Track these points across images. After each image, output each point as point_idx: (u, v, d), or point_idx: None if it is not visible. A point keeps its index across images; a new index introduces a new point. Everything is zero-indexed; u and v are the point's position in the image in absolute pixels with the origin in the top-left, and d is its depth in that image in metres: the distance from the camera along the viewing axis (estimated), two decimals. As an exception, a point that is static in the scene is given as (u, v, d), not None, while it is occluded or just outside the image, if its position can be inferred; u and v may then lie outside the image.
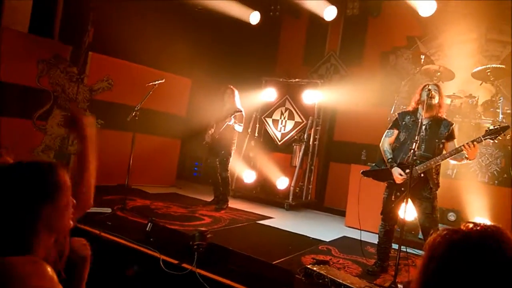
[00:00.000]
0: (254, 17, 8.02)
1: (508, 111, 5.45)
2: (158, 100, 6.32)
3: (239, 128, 5.73)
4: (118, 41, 5.97)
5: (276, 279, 3.17)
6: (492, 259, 0.92)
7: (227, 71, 7.38)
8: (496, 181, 5.15)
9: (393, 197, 3.70)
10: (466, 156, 3.39)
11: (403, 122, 3.77)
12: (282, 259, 3.82)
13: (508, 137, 5.28)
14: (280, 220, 5.77)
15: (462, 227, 1.00)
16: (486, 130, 3.39)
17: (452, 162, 3.86)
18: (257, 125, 7.69)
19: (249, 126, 7.53)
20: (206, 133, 5.88)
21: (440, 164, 3.63)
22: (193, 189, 7.24)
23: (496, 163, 5.21)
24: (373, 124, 6.81)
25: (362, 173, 3.97)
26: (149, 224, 3.94)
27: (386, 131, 3.92)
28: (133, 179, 5.28)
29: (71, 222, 1.48)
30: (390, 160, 3.73)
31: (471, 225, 0.99)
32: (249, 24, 8.04)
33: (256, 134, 7.67)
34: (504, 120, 5.24)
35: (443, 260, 0.96)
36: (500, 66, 5.63)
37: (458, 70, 5.96)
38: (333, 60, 8.17)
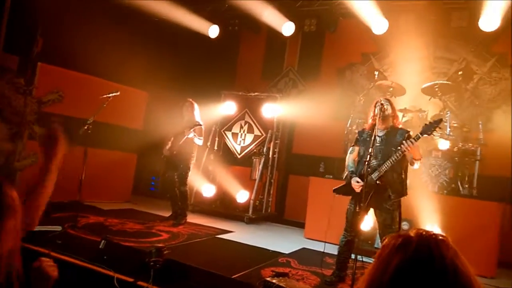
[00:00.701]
0: (213, 31, 8.06)
1: (455, 125, 5.76)
2: (113, 113, 6.13)
3: (198, 141, 5.67)
4: (70, 51, 5.76)
5: (235, 293, 3.11)
6: (421, 268, 0.94)
7: (186, 84, 7.32)
8: (445, 191, 5.39)
9: (356, 208, 3.77)
10: (413, 157, 3.52)
11: (362, 138, 3.95)
12: (242, 273, 3.77)
13: (455, 149, 5.58)
14: (240, 234, 5.71)
15: (410, 233, 1.03)
16: (422, 127, 3.53)
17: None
18: (217, 139, 7.65)
19: (209, 139, 7.47)
20: (164, 146, 5.76)
21: (404, 172, 3.74)
22: (150, 204, 7.02)
23: (444, 173, 5.46)
24: (330, 137, 7.00)
25: (333, 191, 4.02)
26: (103, 241, 3.76)
27: (349, 149, 4.12)
28: (86, 195, 5.04)
29: (17, 244, 1.37)
30: (351, 172, 3.89)
31: (416, 232, 1.02)
32: (209, 38, 8.06)
33: (216, 148, 7.61)
34: (451, 133, 5.53)
35: (385, 265, 0.98)
36: (447, 82, 5.98)
37: (409, 86, 6.25)
38: (291, 74, 8.32)
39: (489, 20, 6.22)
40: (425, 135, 3.50)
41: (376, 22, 6.95)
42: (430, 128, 3.47)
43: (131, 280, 3.24)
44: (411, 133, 3.79)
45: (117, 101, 5.21)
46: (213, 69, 8.08)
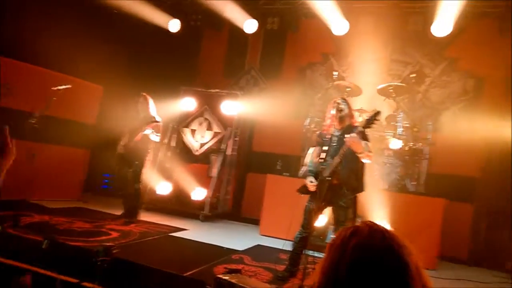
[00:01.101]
0: (174, 26, 7.90)
1: (407, 125, 5.96)
2: (65, 107, 5.87)
3: (155, 138, 5.53)
4: (20, 42, 5.45)
5: (186, 291, 3.05)
6: (377, 247, 1.00)
7: (144, 79, 7.10)
8: (395, 188, 5.58)
9: (313, 205, 3.81)
10: (358, 153, 3.59)
11: (320, 140, 3.99)
12: (194, 271, 3.72)
13: (407, 148, 5.78)
14: (194, 232, 5.63)
15: (358, 224, 1.08)
16: (363, 121, 3.63)
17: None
18: (175, 135, 7.49)
19: (166, 136, 7.31)
20: (119, 143, 5.59)
21: (361, 169, 3.79)
22: (102, 202, 6.76)
23: (396, 171, 5.65)
24: (289, 135, 7.06)
25: (297, 191, 4.01)
26: (45, 241, 3.57)
27: (310, 149, 4.17)
28: (33, 193, 4.77)
29: None
30: (309, 171, 3.91)
31: (365, 222, 1.08)
32: (169, 32, 7.90)
33: (173, 145, 7.46)
34: (403, 132, 5.72)
35: (341, 250, 1.02)
36: (401, 84, 6.17)
37: (366, 87, 6.41)
38: (253, 72, 8.31)
39: (442, 26, 6.48)
40: (366, 128, 3.56)
41: (337, 23, 7.07)
42: (369, 121, 3.54)
43: (75, 281, 3.10)
44: (364, 130, 3.84)
45: (69, 95, 5.00)
46: (173, 64, 7.93)
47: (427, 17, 6.76)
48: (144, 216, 5.90)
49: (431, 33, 6.63)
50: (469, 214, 6.06)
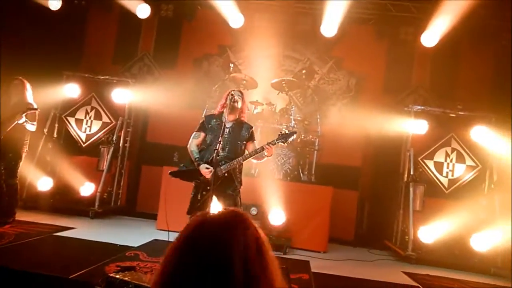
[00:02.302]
0: (55, 3, 7.08)
1: (299, 118, 6.33)
2: None
3: (31, 127, 4.95)
4: None
5: (73, 295, 2.79)
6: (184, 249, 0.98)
7: (17, 60, 6.23)
8: (288, 178, 5.90)
9: (199, 196, 3.77)
10: (266, 154, 3.74)
11: (209, 125, 3.92)
12: (81, 272, 3.44)
13: (298, 140, 6.14)
14: (83, 230, 5.21)
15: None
16: (279, 134, 3.82)
17: (254, 161, 4.19)
18: (56, 125, 6.74)
19: (46, 125, 6.55)
20: None
21: (243, 164, 3.90)
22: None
23: (289, 162, 5.97)
24: (186, 126, 6.82)
25: (170, 173, 3.94)
26: None
27: (193, 133, 3.99)
28: None
29: None
30: (197, 159, 3.81)
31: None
32: (49, 9, 7.05)
33: (55, 135, 6.72)
34: (295, 125, 6.06)
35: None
36: (292, 79, 6.51)
37: (261, 80, 6.61)
38: (146, 60, 7.93)
39: (328, 27, 7.01)
40: (280, 142, 3.76)
41: (233, 16, 7.13)
42: (285, 137, 3.75)
43: None
44: (253, 129, 4.04)
45: None
46: (54, 46, 7.07)
47: (316, 18, 7.26)
48: (22, 216, 5.26)
49: (319, 33, 7.13)
50: (354, 200, 6.73)
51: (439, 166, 6.20)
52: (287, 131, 3.90)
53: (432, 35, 6.71)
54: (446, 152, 6.21)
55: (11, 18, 6.72)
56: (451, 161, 6.18)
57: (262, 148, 3.69)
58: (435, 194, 6.12)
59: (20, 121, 4.78)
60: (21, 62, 6.13)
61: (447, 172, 6.18)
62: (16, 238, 4.35)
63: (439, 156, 6.22)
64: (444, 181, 6.17)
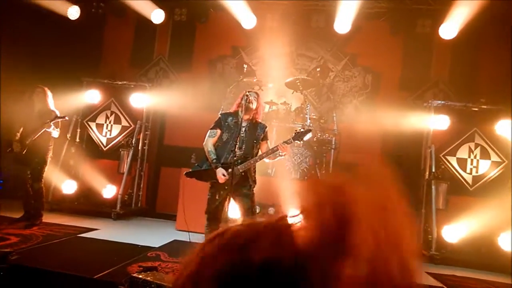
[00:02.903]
0: (74, 12, 7.28)
1: (315, 117, 6.33)
2: None
3: (56, 134, 5.15)
4: None
5: (97, 294, 2.88)
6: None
7: (39, 69, 6.44)
8: (305, 177, 5.90)
9: (217, 196, 3.82)
10: (281, 154, 3.77)
11: (226, 123, 3.95)
12: (106, 272, 3.53)
13: (315, 139, 6.13)
14: (106, 231, 5.34)
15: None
16: (295, 133, 3.85)
17: (267, 160, 4.17)
18: (78, 130, 6.94)
19: (69, 130, 6.75)
20: (13, 139, 5.06)
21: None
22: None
23: (305, 161, 5.97)
24: (202, 128, 6.90)
25: (185, 174, 3.99)
26: None
27: (209, 131, 4.01)
28: None
29: None
30: (214, 160, 3.84)
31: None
32: (68, 19, 7.26)
33: (78, 140, 6.92)
34: (311, 124, 6.05)
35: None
36: (307, 78, 6.51)
37: (275, 80, 6.63)
38: (162, 64, 8.06)
39: (342, 24, 6.97)
40: (296, 141, 3.84)
41: (245, 17, 7.18)
42: (300, 136, 3.81)
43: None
44: (267, 129, 4.09)
45: None
46: (73, 53, 7.28)
47: (329, 15, 7.22)
48: (48, 218, 5.43)
49: (332, 30, 7.09)
50: (373, 199, 6.63)
51: (462, 162, 5.99)
52: (302, 130, 3.91)
53: (451, 26, 6.52)
54: (470, 148, 5.98)
55: (34, 28, 6.95)
56: (475, 157, 5.96)
57: (277, 148, 3.73)
58: (459, 192, 5.91)
59: (49, 129, 4.98)
60: (43, 70, 6.35)
61: (471, 169, 5.95)
62: (43, 239, 4.51)
63: (462, 152, 6.00)
64: (468, 178, 5.95)
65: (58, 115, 5.13)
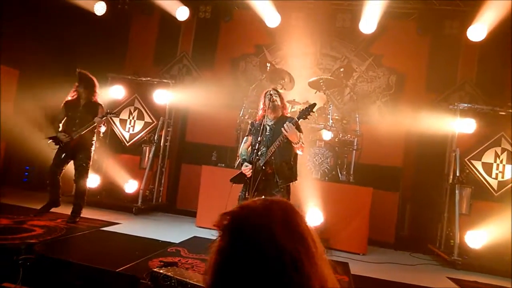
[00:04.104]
0: (100, 8, 7.40)
1: (337, 117, 6.25)
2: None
3: (104, 129, 5.24)
4: None
5: (120, 287, 2.92)
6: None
7: (65, 64, 6.57)
8: (326, 178, 5.84)
9: (246, 194, 3.84)
10: (293, 142, 3.73)
11: (253, 128, 4.05)
12: (127, 266, 3.59)
13: (336, 139, 6.07)
14: (127, 225, 5.41)
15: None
16: (299, 112, 3.76)
17: (299, 152, 4.07)
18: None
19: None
20: (56, 130, 5.08)
21: (294, 158, 3.90)
22: (22, 197, 6.17)
23: (326, 162, 5.91)
24: (223, 126, 7.02)
25: (230, 180, 4.01)
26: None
27: (244, 138, 4.25)
28: None
29: None
30: (243, 160, 3.98)
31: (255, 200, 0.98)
32: (94, 15, 7.39)
33: (102, 135, 7.03)
34: (333, 124, 5.99)
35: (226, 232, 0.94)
36: (330, 78, 6.44)
37: (298, 79, 6.59)
38: (185, 61, 8.12)
39: (367, 24, 6.87)
40: (301, 119, 3.72)
41: (270, 15, 7.15)
42: (305, 112, 3.69)
43: (-6, 282, 2.82)
44: (294, 121, 3.97)
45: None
46: (99, 49, 7.38)
47: (354, 15, 7.14)
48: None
49: (357, 30, 7.00)
50: (395, 202, 6.56)
51: (487, 167, 5.84)
52: (304, 108, 3.80)
53: (480, 28, 6.37)
54: (496, 152, 5.84)
55: (61, 24, 7.10)
56: (501, 162, 5.81)
57: (283, 130, 3.66)
58: (483, 197, 5.77)
59: (101, 127, 5.08)
60: (69, 65, 6.46)
61: (496, 174, 5.81)
62: (67, 231, 4.60)
63: (488, 157, 5.85)
64: (494, 183, 5.80)
65: (105, 110, 5.14)
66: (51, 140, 5.07)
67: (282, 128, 3.67)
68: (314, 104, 3.77)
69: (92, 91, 5.20)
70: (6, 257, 3.03)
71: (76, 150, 5.10)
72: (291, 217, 0.95)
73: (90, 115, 5.09)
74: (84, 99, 5.19)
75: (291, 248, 0.87)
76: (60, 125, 5.14)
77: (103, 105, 5.26)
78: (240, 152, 4.11)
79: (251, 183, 3.78)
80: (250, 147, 4.06)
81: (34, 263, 3.01)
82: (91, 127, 5.03)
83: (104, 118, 5.04)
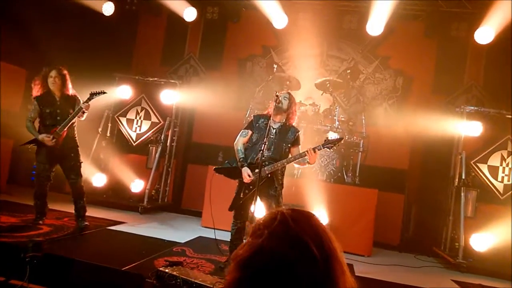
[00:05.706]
0: (108, 8, 7.46)
1: (343, 119, 6.26)
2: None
3: (84, 115, 4.73)
4: None
5: (126, 285, 2.94)
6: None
7: (73, 63, 6.61)
8: (332, 179, 5.85)
9: (241, 194, 3.85)
10: (308, 161, 3.76)
11: (257, 124, 3.99)
12: (133, 265, 3.62)
13: (342, 141, 6.05)
14: (133, 225, 5.46)
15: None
16: (325, 140, 3.84)
17: (296, 166, 4.20)
18: (109, 125, 7.11)
19: (100, 125, 6.93)
20: (36, 130, 4.60)
21: (285, 166, 3.93)
22: (30, 195, 6.21)
23: (332, 163, 5.92)
24: (230, 126, 7.00)
25: (214, 169, 4.04)
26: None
27: (241, 131, 4.08)
28: None
29: None
30: (241, 159, 3.89)
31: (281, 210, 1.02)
32: (102, 15, 7.44)
33: (108, 134, 7.10)
34: (339, 126, 5.99)
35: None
36: (337, 79, 6.45)
37: (305, 80, 6.60)
38: (192, 61, 8.15)
39: (375, 25, 6.86)
40: (326, 148, 3.82)
41: (277, 16, 7.17)
42: (330, 143, 3.79)
43: (1, 279, 2.86)
44: (300, 133, 4.07)
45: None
46: (107, 49, 7.44)
47: (361, 16, 7.12)
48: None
49: (364, 31, 6.99)
50: (400, 204, 6.54)
51: (493, 170, 5.84)
52: (333, 137, 3.88)
53: (487, 31, 6.34)
54: (502, 155, 5.84)
55: (69, 24, 7.16)
56: (507, 165, 5.81)
57: (305, 153, 3.70)
58: (489, 200, 5.78)
59: (83, 119, 4.68)
60: (76, 65, 6.51)
61: (502, 177, 5.81)
62: (74, 230, 4.65)
63: (494, 160, 5.85)
64: (499, 186, 5.80)
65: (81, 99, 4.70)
66: (32, 144, 4.58)
67: (307, 156, 3.70)
68: (341, 139, 3.89)
69: (66, 84, 4.77)
70: (13, 254, 3.07)
71: (65, 150, 4.66)
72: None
73: (71, 108, 4.67)
74: (59, 92, 4.70)
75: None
76: (36, 125, 4.65)
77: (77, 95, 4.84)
78: (236, 147, 3.95)
79: (249, 184, 3.80)
80: (247, 142, 3.97)
81: (41, 261, 3.04)
82: (77, 115, 4.59)
83: (90, 101, 4.64)
